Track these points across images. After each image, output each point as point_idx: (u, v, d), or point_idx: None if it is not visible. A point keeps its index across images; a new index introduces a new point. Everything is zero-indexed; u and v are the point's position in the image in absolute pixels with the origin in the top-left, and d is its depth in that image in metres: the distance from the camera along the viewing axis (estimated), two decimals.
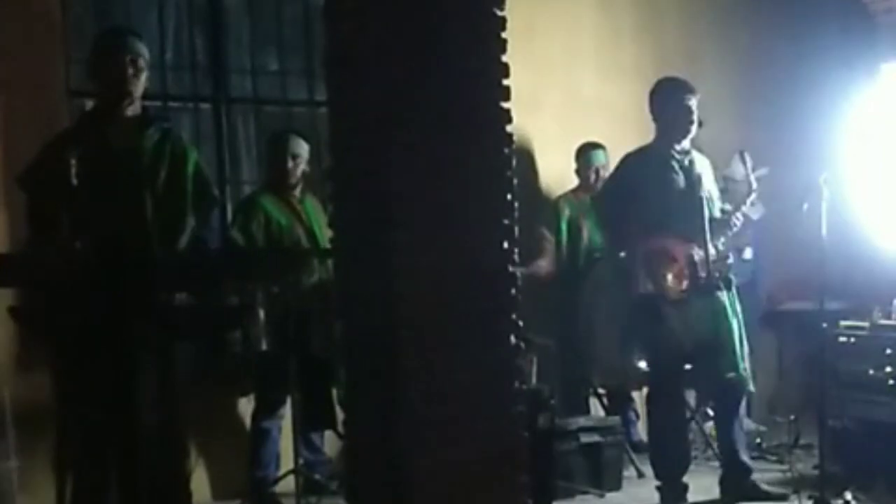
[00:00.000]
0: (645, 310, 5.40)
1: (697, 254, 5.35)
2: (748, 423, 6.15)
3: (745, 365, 5.49)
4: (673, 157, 5.49)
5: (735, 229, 5.53)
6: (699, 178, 5.48)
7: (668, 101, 5.50)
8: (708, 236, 5.36)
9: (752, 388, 5.62)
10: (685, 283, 5.34)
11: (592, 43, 7.33)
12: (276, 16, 6.64)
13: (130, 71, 4.50)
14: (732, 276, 5.54)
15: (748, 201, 5.55)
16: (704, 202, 5.42)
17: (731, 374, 5.44)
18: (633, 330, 5.64)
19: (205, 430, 5.70)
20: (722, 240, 5.49)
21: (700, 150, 5.66)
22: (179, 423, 4.60)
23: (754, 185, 5.53)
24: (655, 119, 5.57)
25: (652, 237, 5.26)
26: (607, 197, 5.82)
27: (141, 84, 4.55)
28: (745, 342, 5.51)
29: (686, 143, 5.54)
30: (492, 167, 3.47)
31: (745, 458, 5.65)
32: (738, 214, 5.52)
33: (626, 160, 5.63)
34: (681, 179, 5.38)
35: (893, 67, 7.19)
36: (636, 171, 5.51)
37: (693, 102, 5.47)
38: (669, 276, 5.28)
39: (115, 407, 4.33)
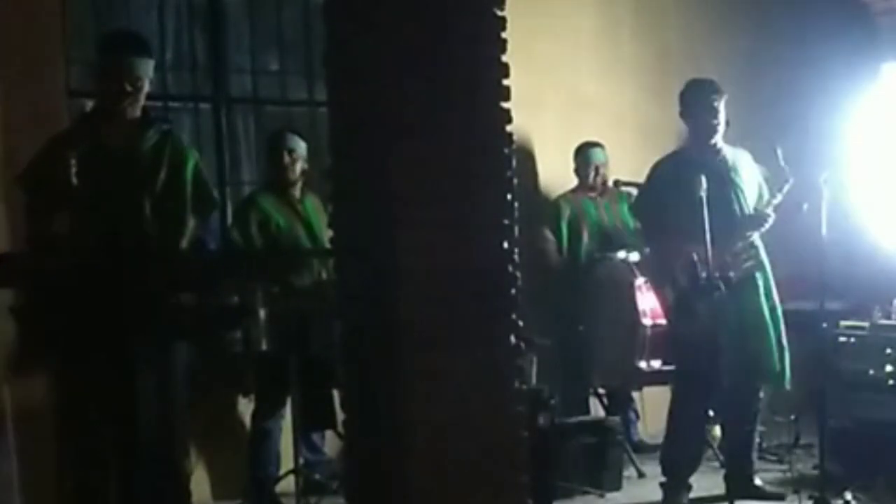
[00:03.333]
0: (682, 308, 5.39)
1: (729, 253, 5.35)
2: None
3: (786, 364, 5.50)
4: (703, 158, 5.49)
5: (767, 225, 5.51)
6: (731, 177, 5.50)
7: (695, 102, 5.54)
8: (738, 233, 5.41)
9: (787, 386, 5.61)
10: (720, 282, 5.29)
11: (592, 43, 7.34)
12: (276, 16, 6.64)
13: (129, 90, 4.50)
14: (763, 272, 5.53)
15: (779, 196, 5.53)
16: (735, 201, 5.46)
17: (774, 380, 5.53)
18: (671, 328, 5.70)
19: (205, 430, 5.70)
20: (755, 235, 5.49)
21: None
22: (179, 423, 4.60)
23: (789, 178, 5.51)
24: (685, 120, 5.63)
25: (688, 238, 5.23)
26: (641, 204, 6.00)
27: (142, 93, 4.56)
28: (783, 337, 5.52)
29: (716, 142, 5.55)
30: (492, 167, 3.47)
31: (753, 458, 5.69)
32: (770, 210, 5.51)
33: (657, 166, 5.69)
34: (712, 180, 5.32)
35: (894, 67, 7.18)
36: (666, 176, 5.57)
37: (719, 103, 5.50)
38: (704, 275, 5.25)
39: (114, 407, 4.33)
